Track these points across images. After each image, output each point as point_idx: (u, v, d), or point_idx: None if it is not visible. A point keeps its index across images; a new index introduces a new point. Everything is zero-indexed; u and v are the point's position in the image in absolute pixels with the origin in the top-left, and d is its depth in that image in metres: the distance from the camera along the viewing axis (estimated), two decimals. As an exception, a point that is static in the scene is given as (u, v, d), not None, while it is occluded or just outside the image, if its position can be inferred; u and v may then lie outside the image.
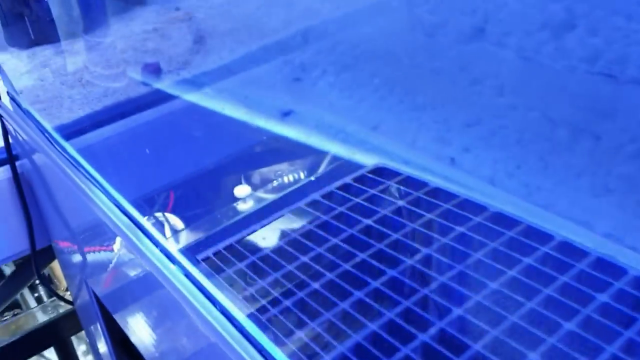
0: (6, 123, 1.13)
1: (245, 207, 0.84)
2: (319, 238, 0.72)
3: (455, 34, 0.75)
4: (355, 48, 0.89)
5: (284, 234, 0.73)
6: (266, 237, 0.74)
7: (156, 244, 0.74)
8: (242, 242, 0.72)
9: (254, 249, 0.72)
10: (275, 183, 0.91)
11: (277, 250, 0.71)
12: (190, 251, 0.76)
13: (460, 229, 0.72)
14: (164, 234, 1.51)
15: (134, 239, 0.76)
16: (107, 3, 1.41)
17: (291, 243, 0.71)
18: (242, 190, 0.89)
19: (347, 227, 0.73)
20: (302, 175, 0.89)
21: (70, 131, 1.20)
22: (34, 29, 1.36)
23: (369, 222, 0.73)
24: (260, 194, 0.88)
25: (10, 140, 1.16)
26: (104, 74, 1.28)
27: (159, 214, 1.51)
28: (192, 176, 1.32)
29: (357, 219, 0.74)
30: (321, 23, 0.93)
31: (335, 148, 0.89)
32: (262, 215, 0.76)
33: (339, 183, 0.79)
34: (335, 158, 0.89)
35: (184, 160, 1.26)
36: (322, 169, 0.87)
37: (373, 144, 0.87)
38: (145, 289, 0.82)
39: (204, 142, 1.26)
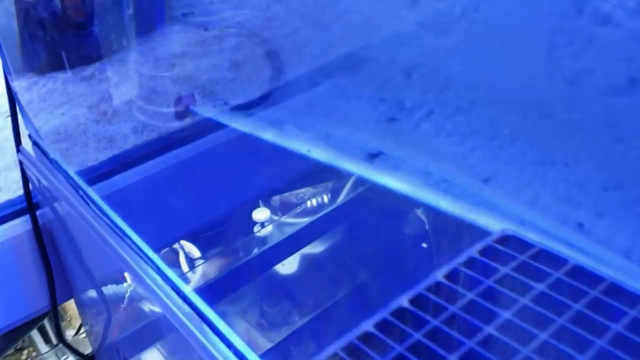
0: (27, 170, 0.97)
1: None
2: (446, 339, 0.58)
3: (602, 83, 0.61)
4: (474, 90, 0.74)
5: (402, 335, 0.58)
6: (377, 338, 0.59)
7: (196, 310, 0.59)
8: (348, 349, 0.57)
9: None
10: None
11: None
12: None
13: (616, 326, 0.58)
14: (181, 269, 1.36)
15: (178, 314, 0.61)
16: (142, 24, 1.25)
17: (413, 349, 0.57)
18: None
19: (480, 321, 0.59)
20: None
21: (95, 175, 1.05)
22: (53, 53, 1.20)
23: (507, 315, 0.59)
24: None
25: (30, 187, 1.00)
26: (132, 107, 1.13)
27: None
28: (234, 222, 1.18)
29: (490, 309, 0.60)
30: (432, 59, 0.79)
31: (435, 199, 0.74)
32: (370, 300, 0.62)
33: (462, 257, 0.65)
34: (439, 212, 0.74)
35: (229, 204, 1.11)
36: (429, 229, 0.72)
37: (482, 197, 0.73)
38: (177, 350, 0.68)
39: (249, 182, 1.11)
